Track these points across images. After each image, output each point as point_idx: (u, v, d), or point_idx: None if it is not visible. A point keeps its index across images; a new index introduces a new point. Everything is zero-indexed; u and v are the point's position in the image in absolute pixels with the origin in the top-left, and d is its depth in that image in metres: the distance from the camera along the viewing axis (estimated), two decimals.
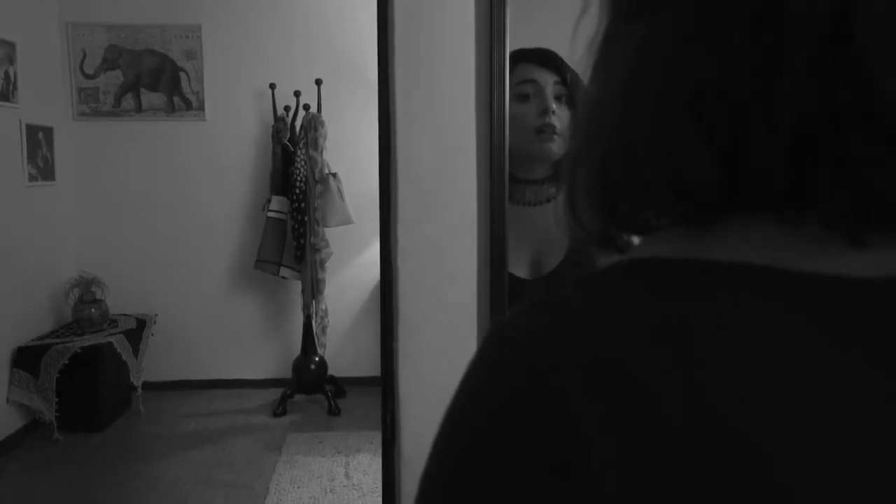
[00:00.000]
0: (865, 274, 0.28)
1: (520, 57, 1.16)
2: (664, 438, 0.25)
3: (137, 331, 3.93)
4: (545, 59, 1.15)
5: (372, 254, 4.08)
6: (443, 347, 1.20)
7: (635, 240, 0.36)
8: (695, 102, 0.29)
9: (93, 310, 3.77)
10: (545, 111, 1.13)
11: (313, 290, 3.84)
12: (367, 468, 3.21)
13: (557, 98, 1.14)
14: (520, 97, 1.15)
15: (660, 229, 0.34)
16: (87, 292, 3.79)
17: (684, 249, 0.32)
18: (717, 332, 0.27)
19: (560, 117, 1.13)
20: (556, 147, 1.14)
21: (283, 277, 3.95)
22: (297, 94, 3.92)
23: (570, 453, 0.26)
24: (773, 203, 0.29)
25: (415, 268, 1.19)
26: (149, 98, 4.17)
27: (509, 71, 1.15)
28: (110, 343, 3.64)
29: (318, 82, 3.90)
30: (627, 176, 0.32)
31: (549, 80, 1.14)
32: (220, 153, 4.20)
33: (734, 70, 0.28)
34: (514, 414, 0.28)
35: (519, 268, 1.18)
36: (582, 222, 0.36)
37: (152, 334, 4.06)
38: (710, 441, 0.25)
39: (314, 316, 3.92)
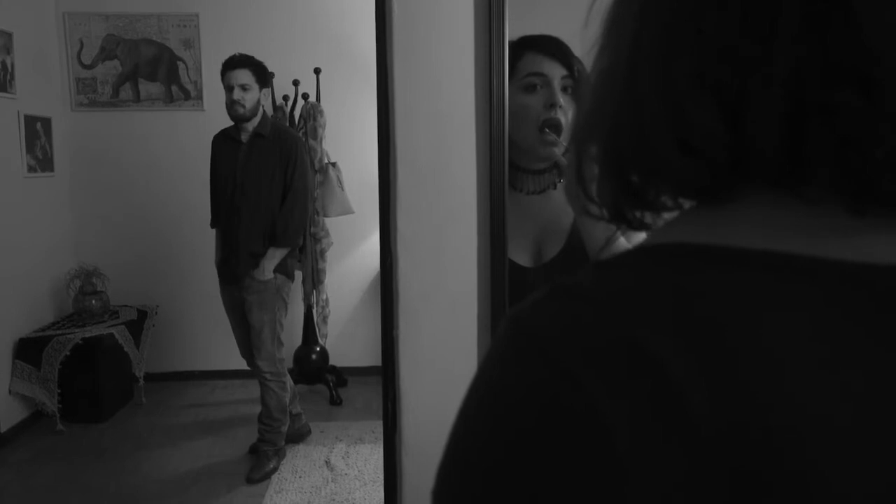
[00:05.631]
0: (890, 261, 0.27)
1: (527, 45, 1.14)
2: (688, 425, 0.25)
3: (139, 322, 3.94)
4: (553, 49, 1.12)
5: (372, 243, 4.07)
6: (443, 335, 1.20)
7: (648, 218, 0.35)
8: (697, 60, 0.29)
9: (93, 301, 3.77)
10: (552, 105, 1.10)
11: (314, 280, 3.84)
12: (369, 457, 3.22)
13: (564, 90, 1.12)
14: (527, 88, 1.12)
15: (674, 212, 0.34)
16: (87, 283, 3.78)
17: (701, 234, 0.31)
18: (740, 319, 0.27)
19: (566, 111, 1.11)
20: (559, 151, 1.11)
21: None
22: (295, 83, 3.90)
23: (592, 438, 0.26)
24: (774, 171, 0.29)
25: (415, 256, 1.19)
26: (147, 88, 4.15)
27: (516, 59, 1.13)
28: (112, 334, 3.65)
29: (317, 71, 3.88)
30: (635, 142, 0.32)
31: (556, 73, 1.11)
32: None
33: (734, 25, 0.28)
34: (533, 403, 0.27)
35: (520, 255, 1.17)
36: (594, 199, 0.36)
37: (154, 325, 4.06)
38: (736, 432, 0.24)
39: (315, 306, 3.93)
